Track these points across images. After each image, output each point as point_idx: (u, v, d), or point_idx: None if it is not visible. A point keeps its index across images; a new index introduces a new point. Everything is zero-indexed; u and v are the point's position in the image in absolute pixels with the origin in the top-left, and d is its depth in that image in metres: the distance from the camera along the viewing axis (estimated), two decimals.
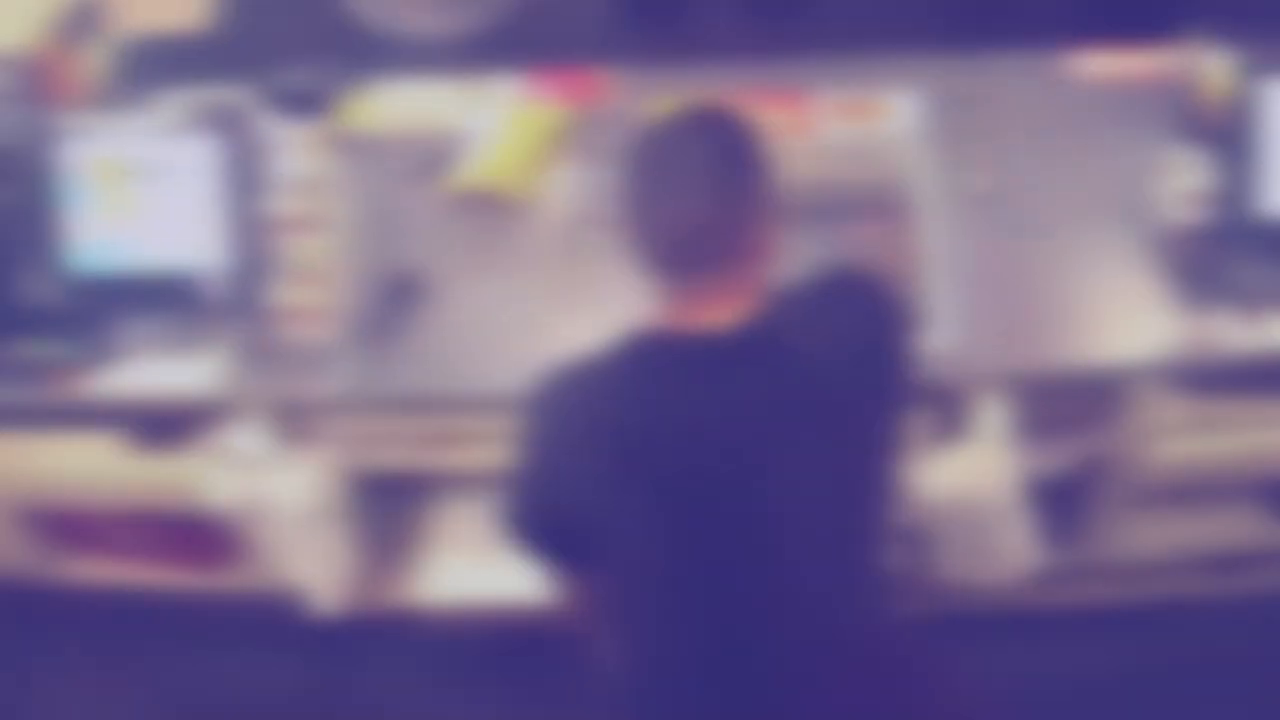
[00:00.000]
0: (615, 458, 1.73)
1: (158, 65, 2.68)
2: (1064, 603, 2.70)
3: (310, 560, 2.57)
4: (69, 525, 2.70)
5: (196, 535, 2.60)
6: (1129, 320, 2.36)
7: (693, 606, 1.82)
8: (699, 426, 1.72)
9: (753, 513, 1.75)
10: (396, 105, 2.70)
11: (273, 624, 2.68)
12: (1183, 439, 2.43)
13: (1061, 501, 2.53)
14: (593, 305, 2.38)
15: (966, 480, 2.33)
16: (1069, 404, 2.43)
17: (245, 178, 2.41)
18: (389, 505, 2.73)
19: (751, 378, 1.71)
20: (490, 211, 2.55)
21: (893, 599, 1.93)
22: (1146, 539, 2.62)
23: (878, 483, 1.83)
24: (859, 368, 1.78)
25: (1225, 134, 2.35)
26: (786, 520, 1.77)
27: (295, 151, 2.44)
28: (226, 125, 2.41)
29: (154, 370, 2.40)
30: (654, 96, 2.61)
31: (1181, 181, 2.37)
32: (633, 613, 1.88)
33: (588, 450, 1.75)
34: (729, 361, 1.71)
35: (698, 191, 1.69)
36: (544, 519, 1.84)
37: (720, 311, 1.71)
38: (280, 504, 2.44)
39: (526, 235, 2.53)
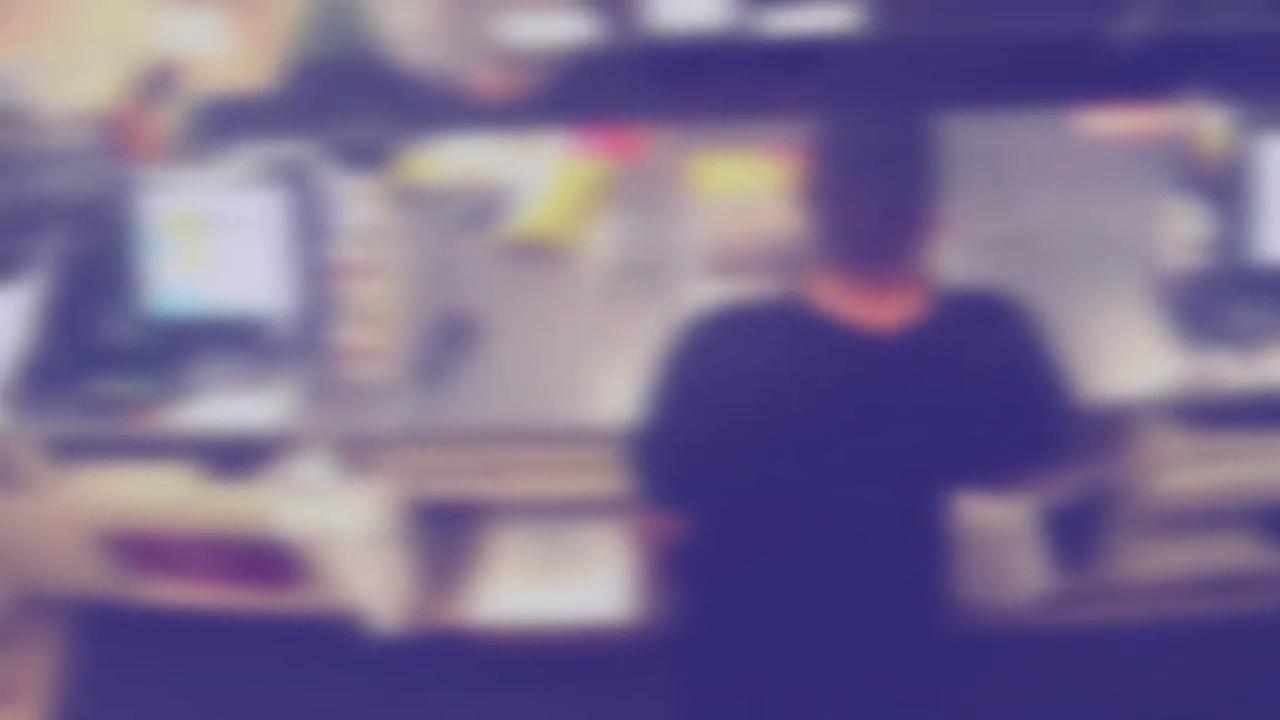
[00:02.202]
0: (747, 417, 1.75)
1: (229, 123, 2.72)
2: (1073, 623, 2.74)
3: (371, 583, 2.62)
4: (147, 549, 2.74)
5: (265, 559, 2.65)
6: (1133, 359, 2.38)
7: (765, 572, 1.85)
8: (843, 416, 1.73)
9: (860, 504, 1.78)
10: (451, 160, 2.76)
11: (336, 642, 2.73)
12: (1185, 470, 2.48)
13: (1071, 528, 2.56)
14: (630, 344, 2.42)
15: (982, 507, 2.28)
16: (1078, 437, 2.34)
17: (310, 227, 2.45)
18: (445, 531, 2.77)
19: (905, 385, 1.72)
20: (538, 258, 2.61)
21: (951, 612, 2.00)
22: (1151, 564, 2.66)
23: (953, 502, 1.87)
24: (1001, 393, 1.78)
25: (1223, 186, 2.38)
26: (889, 517, 1.82)
27: (357, 203, 2.48)
28: (293, 178, 2.44)
29: (225, 406, 2.43)
30: (688, 151, 2.70)
31: (1182, 230, 2.40)
32: (705, 562, 1.90)
33: (722, 398, 1.75)
34: (889, 365, 1.72)
35: (904, 188, 1.70)
36: (664, 446, 1.87)
37: (891, 310, 1.72)
38: (343, 530, 2.49)
39: (571, 280, 2.58)
